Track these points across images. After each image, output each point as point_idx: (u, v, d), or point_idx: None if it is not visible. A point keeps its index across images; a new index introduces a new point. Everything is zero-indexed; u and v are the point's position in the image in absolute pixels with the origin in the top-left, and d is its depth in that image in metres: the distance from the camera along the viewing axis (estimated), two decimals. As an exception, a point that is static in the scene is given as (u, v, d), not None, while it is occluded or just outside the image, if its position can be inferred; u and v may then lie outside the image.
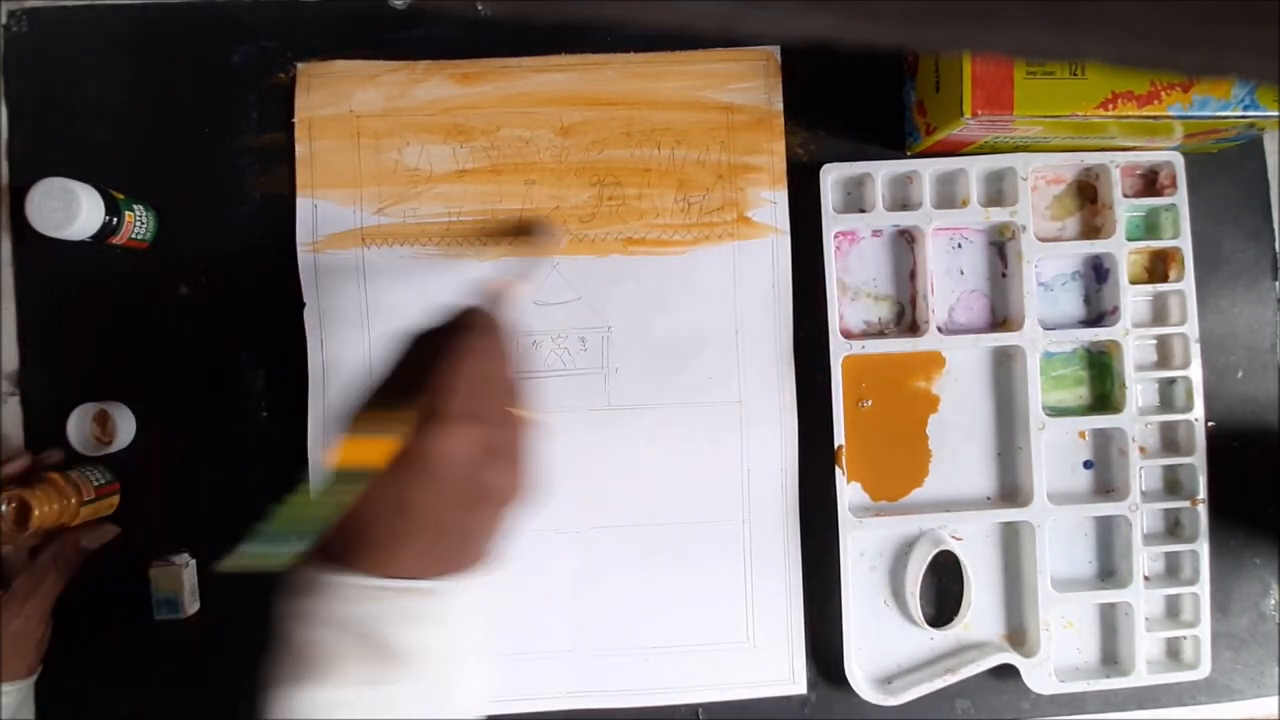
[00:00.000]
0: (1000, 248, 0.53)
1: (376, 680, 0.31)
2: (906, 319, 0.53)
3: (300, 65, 0.51)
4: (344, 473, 0.31)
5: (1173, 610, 0.53)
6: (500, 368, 0.35)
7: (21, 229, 0.47)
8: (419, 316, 0.37)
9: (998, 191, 0.53)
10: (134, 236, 0.49)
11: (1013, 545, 0.53)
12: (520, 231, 0.49)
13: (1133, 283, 0.52)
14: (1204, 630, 0.51)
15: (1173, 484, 0.53)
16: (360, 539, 0.32)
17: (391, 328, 0.51)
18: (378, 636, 0.31)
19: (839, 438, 0.51)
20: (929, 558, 0.51)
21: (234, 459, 0.51)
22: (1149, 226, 0.53)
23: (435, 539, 0.32)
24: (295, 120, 0.51)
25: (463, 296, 0.37)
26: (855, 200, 0.53)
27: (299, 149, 0.51)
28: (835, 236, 0.52)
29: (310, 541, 0.31)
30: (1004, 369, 0.53)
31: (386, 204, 0.52)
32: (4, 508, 0.44)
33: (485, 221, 0.51)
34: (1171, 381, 0.53)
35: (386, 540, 0.32)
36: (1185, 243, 0.52)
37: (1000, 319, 0.53)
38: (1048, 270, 0.53)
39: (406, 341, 0.36)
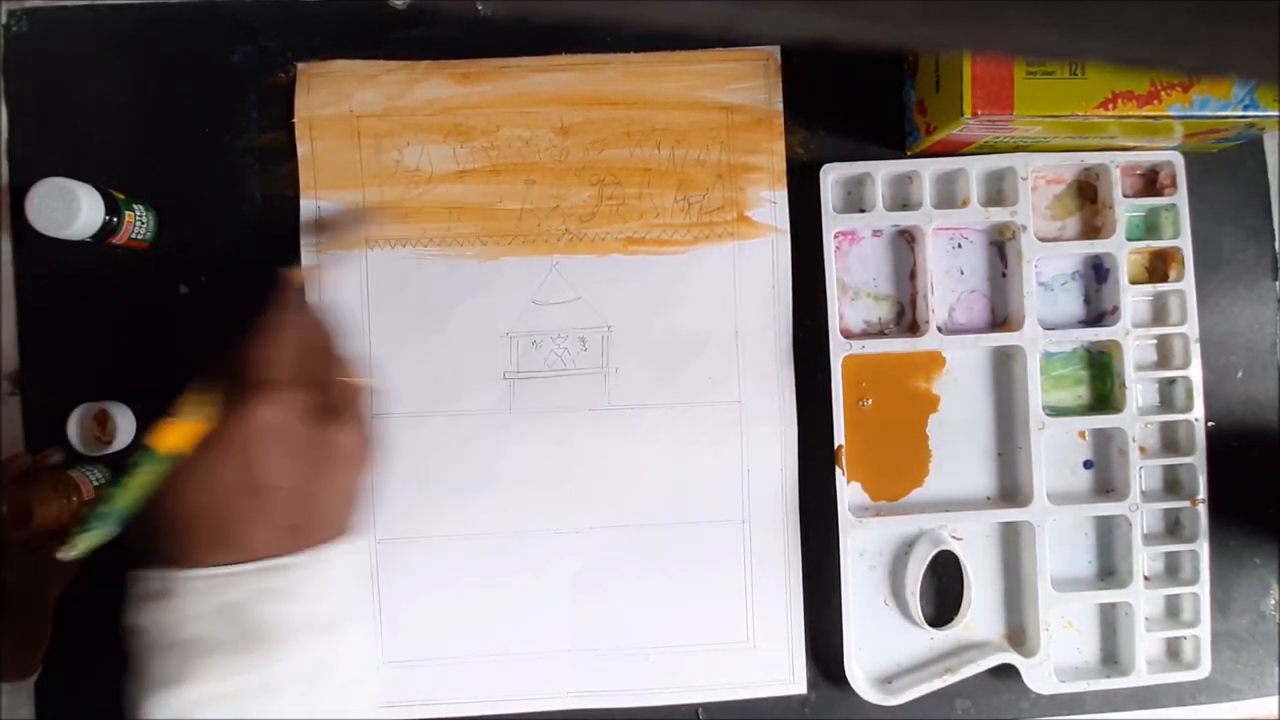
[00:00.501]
0: (1000, 248, 0.53)
1: (248, 668, 0.30)
2: (906, 319, 0.53)
3: (300, 65, 0.51)
4: (149, 457, 0.30)
5: (1173, 610, 0.53)
6: (319, 339, 0.35)
7: (21, 229, 0.47)
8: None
9: (998, 191, 0.53)
10: (134, 236, 0.49)
11: (1013, 545, 0.53)
12: (320, 227, 0.50)
13: (1133, 283, 0.52)
14: (1204, 630, 0.51)
15: (1173, 484, 0.53)
16: (202, 529, 0.31)
17: (393, 328, 0.51)
18: (239, 623, 0.30)
19: (839, 438, 0.51)
20: (929, 558, 0.51)
21: (234, 459, 0.51)
22: (1149, 226, 0.53)
23: (282, 510, 0.32)
24: (295, 120, 0.51)
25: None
26: (855, 200, 0.53)
27: (300, 149, 0.51)
28: (835, 236, 0.52)
29: (120, 526, 0.30)
30: (1004, 369, 0.53)
31: (388, 205, 0.51)
32: (4, 508, 0.44)
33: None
34: (1171, 381, 0.53)
35: (228, 523, 0.31)
36: (1185, 243, 0.52)
37: (1000, 319, 0.53)
38: (1048, 270, 0.53)
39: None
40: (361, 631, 0.35)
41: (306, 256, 0.41)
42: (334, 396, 0.34)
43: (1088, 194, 0.54)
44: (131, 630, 0.32)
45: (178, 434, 0.31)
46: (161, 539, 0.31)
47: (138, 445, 0.30)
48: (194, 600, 0.30)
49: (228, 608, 0.30)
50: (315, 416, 0.33)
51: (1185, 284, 0.52)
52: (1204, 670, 0.51)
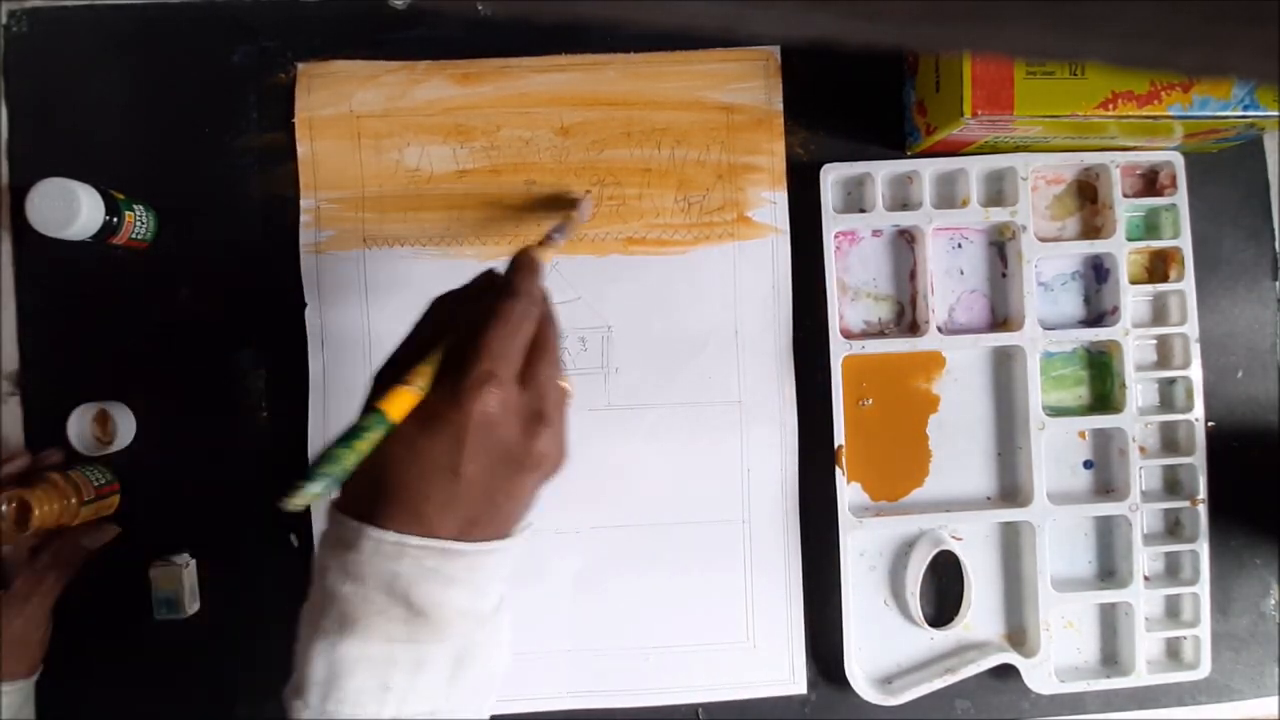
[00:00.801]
0: (1000, 248, 0.53)
1: (403, 638, 0.31)
2: (906, 319, 0.53)
3: (300, 65, 0.51)
4: (380, 421, 0.31)
5: (1173, 610, 0.53)
6: (542, 333, 0.34)
7: (21, 229, 0.47)
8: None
9: (998, 191, 0.53)
10: (134, 236, 0.49)
11: (1013, 545, 0.53)
12: (553, 204, 0.50)
13: (1133, 283, 0.52)
14: (1204, 630, 0.51)
15: (1173, 484, 0.53)
16: (392, 494, 0.32)
17: (392, 328, 0.51)
18: (404, 594, 0.31)
19: (839, 438, 0.51)
20: (929, 558, 0.51)
21: (234, 459, 0.51)
22: (1149, 226, 0.53)
23: (468, 499, 0.32)
24: (295, 120, 0.51)
25: (498, 265, 0.37)
26: (855, 200, 0.53)
27: (300, 149, 0.51)
28: (835, 236, 0.52)
29: (336, 485, 0.31)
30: (1004, 369, 0.53)
31: (387, 205, 0.52)
32: (4, 508, 0.44)
33: (520, 196, 0.51)
34: (1171, 381, 0.53)
35: (416, 497, 0.31)
36: (1185, 243, 0.52)
37: (1000, 319, 0.53)
38: (1048, 270, 0.53)
39: (430, 303, 0.36)
40: (507, 632, 0.35)
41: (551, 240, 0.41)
42: (545, 402, 0.34)
43: (1088, 194, 0.54)
44: (319, 567, 0.33)
45: (409, 402, 0.32)
46: (357, 491, 0.32)
47: (366, 408, 0.32)
48: (368, 559, 0.31)
49: (394, 575, 0.31)
50: (525, 419, 0.33)
51: (1185, 284, 0.52)
52: (1204, 670, 0.51)
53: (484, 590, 0.33)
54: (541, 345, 0.34)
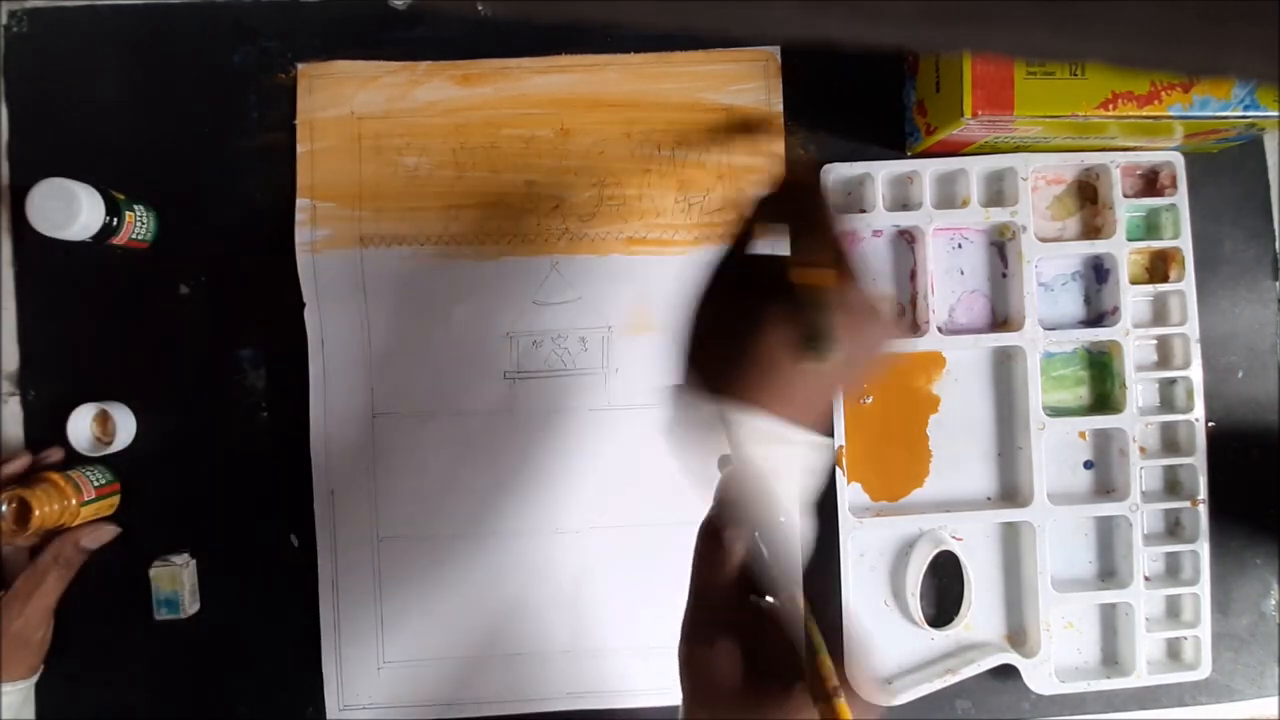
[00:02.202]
0: (1000, 248, 0.53)
1: (768, 523, 0.33)
2: (907, 319, 0.53)
3: (301, 66, 0.51)
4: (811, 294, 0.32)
5: (1173, 610, 0.53)
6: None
7: (21, 229, 0.47)
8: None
9: (998, 191, 0.53)
10: (134, 236, 0.49)
11: (1013, 545, 0.53)
12: (745, 128, 0.51)
13: (1133, 283, 0.52)
14: (1204, 630, 0.51)
15: (1173, 484, 0.53)
16: (768, 378, 0.33)
17: (393, 328, 0.51)
18: (784, 479, 0.33)
19: (839, 438, 0.51)
20: (929, 558, 0.51)
21: (234, 459, 0.51)
22: (1149, 226, 0.53)
23: (827, 392, 0.34)
24: (297, 123, 0.51)
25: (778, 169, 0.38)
26: (855, 200, 0.53)
27: (300, 150, 0.51)
28: (835, 236, 0.52)
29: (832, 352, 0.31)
30: (1004, 369, 0.53)
31: (386, 205, 0.51)
32: (4, 508, 0.44)
33: (713, 123, 0.52)
34: (1172, 381, 0.53)
35: (790, 387, 0.32)
36: (1185, 243, 0.52)
37: (1000, 319, 0.53)
38: (1048, 270, 0.53)
39: (758, 201, 0.38)
40: None
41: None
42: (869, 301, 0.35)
43: (1088, 194, 0.54)
44: (680, 441, 0.36)
45: (819, 277, 0.33)
46: (710, 374, 0.34)
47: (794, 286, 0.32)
48: (744, 441, 0.32)
49: (768, 459, 0.32)
50: (869, 315, 0.34)
51: (1185, 284, 0.52)
52: (1204, 671, 0.51)
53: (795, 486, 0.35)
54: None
